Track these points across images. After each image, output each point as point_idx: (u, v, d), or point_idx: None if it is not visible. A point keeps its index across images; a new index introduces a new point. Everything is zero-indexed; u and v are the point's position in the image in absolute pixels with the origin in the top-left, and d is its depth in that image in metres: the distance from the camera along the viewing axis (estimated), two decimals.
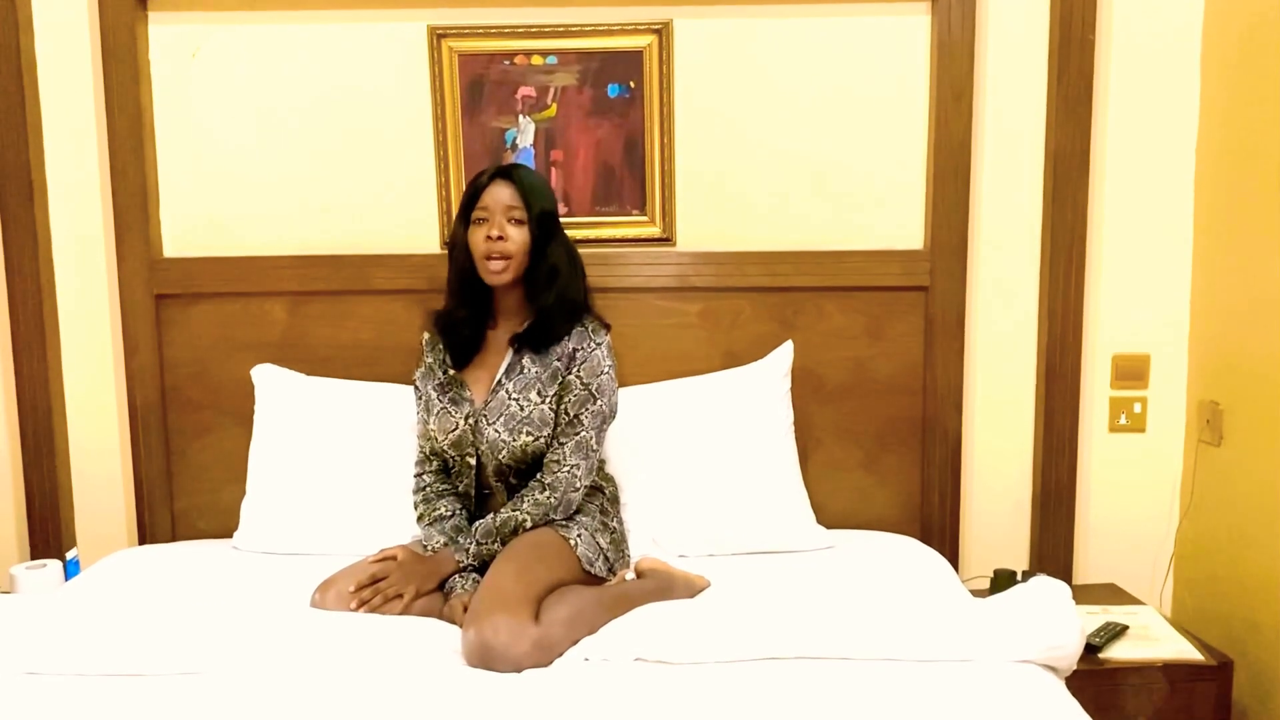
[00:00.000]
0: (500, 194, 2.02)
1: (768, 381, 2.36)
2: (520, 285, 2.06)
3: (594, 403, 2.03)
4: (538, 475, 2.02)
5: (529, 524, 1.97)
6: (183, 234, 2.47)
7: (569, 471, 1.99)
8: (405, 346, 2.31)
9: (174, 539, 2.49)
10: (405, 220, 2.47)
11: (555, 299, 2.03)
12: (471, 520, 2.06)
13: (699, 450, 2.29)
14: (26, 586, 2.19)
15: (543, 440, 2.01)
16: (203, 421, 2.48)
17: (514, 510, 1.98)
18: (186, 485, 2.50)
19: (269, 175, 2.46)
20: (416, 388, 2.16)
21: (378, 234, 2.47)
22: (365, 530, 2.19)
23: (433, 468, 2.14)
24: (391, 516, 2.19)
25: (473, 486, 2.07)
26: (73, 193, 2.42)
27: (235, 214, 2.47)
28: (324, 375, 2.41)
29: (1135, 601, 2.39)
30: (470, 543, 1.97)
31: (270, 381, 2.37)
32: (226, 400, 2.45)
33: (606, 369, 2.05)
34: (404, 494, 2.17)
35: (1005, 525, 2.55)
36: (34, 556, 2.45)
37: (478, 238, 2.02)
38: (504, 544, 1.95)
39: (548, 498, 1.98)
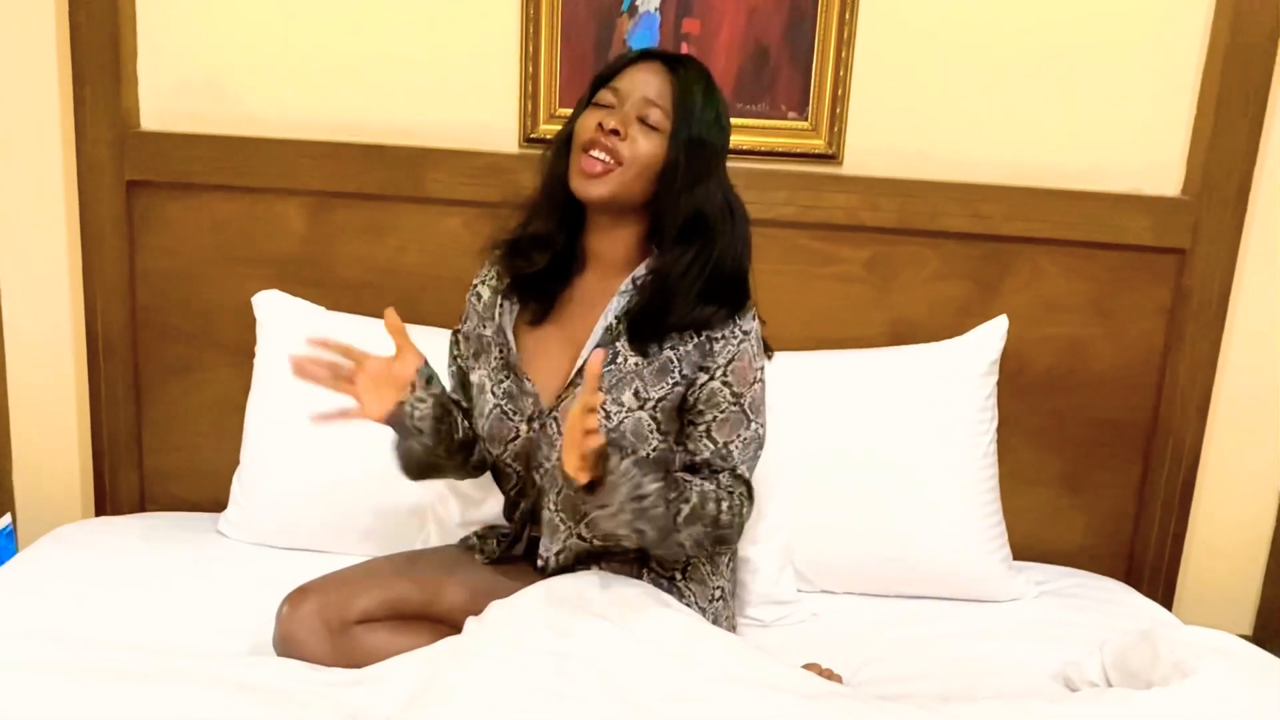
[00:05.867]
0: (647, 80, 1.39)
1: (965, 368, 1.82)
2: (641, 218, 1.44)
3: (747, 426, 1.42)
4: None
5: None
6: (167, 99, 2.00)
7: (737, 501, 1.40)
8: (463, 279, 1.74)
9: (142, 508, 2.08)
10: (474, 104, 1.94)
11: (699, 265, 1.40)
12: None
13: (857, 449, 1.80)
14: None
15: None
16: (185, 356, 2.03)
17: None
18: (160, 439, 2.08)
19: (290, 23, 1.94)
20: (455, 343, 1.59)
21: (436, 120, 1.94)
22: (395, 524, 1.83)
23: None
24: (431, 506, 1.80)
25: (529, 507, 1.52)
26: (16, 36, 1.91)
27: (241, 75, 1.98)
28: (351, 310, 1.94)
29: None
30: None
31: (277, 313, 1.92)
32: (218, 330, 2.01)
33: (759, 374, 1.44)
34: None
35: (1231, 572, 2.05)
36: None
37: (589, 121, 1.39)
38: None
39: (713, 500, 1.37)
